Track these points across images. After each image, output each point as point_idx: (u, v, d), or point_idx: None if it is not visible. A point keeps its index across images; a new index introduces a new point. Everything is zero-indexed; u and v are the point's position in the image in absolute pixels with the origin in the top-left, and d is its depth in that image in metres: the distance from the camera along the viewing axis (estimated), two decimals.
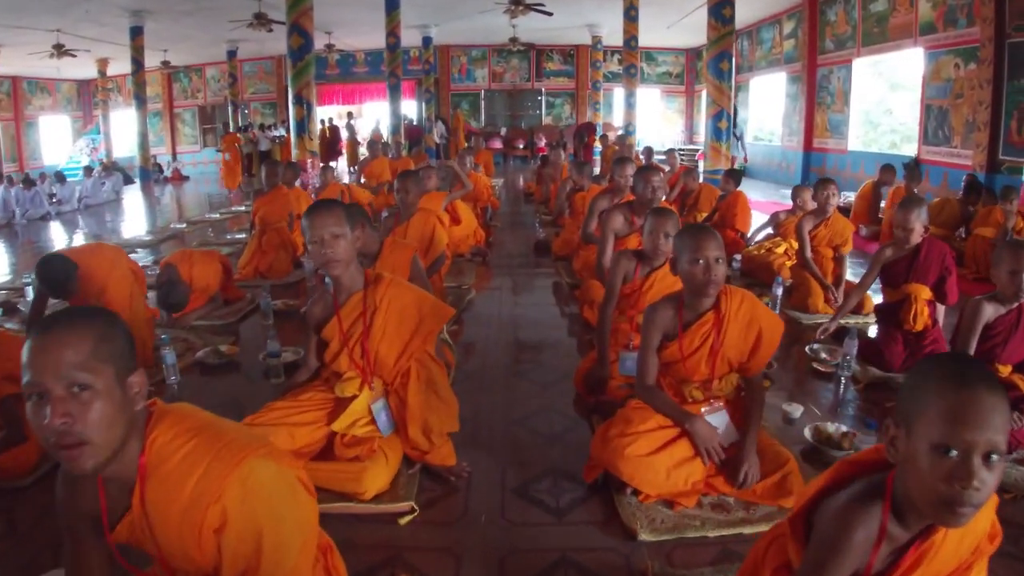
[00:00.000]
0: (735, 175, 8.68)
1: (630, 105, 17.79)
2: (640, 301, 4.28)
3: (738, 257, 7.67)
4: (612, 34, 21.66)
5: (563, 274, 7.55)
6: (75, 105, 28.90)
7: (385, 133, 20.87)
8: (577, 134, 21.75)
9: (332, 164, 23.06)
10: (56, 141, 27.62)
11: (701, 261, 2.99)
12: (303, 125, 10.76)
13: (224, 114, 26.29)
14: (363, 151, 19.95)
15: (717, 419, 3.16)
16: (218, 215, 13.07)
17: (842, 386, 4.56)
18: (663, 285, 4.25)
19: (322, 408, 3.36)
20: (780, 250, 7.37)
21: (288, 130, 25.11)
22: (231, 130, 18.25)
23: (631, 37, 17.10)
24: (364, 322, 3.28)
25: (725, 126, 10.38)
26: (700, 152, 21.61)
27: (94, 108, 28.00)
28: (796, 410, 4.01)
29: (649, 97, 25.57)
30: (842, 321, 5.86)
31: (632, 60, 17.21)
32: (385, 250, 4.62)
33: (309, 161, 10.68)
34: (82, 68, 24.59)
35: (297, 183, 10.11)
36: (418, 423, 3.28)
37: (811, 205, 7.29)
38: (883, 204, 10.32)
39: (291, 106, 10.97)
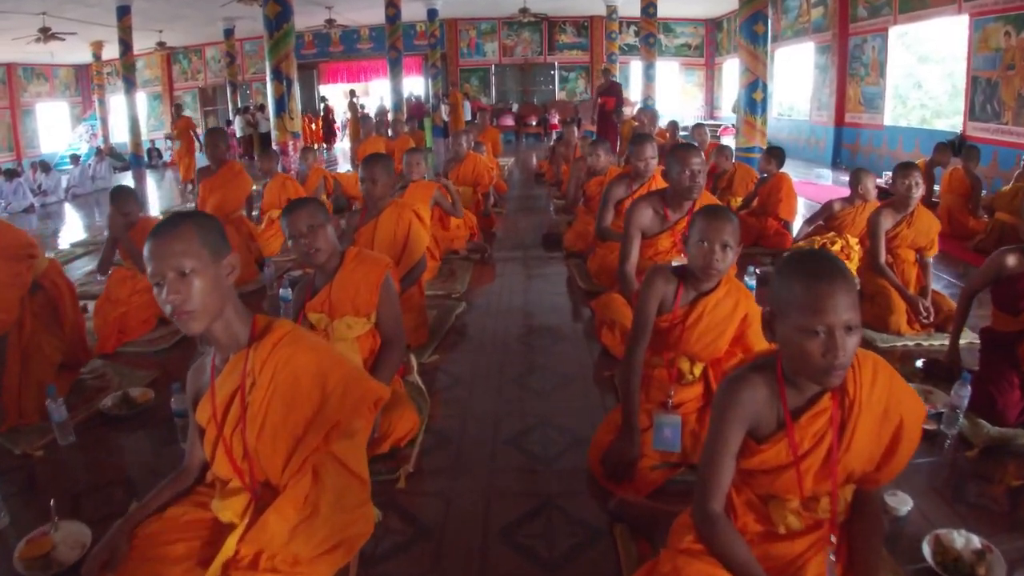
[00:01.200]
0: (777, 154, 7.39)
1: (649, 78, 16.38)
2: (683, 339, 3.07)
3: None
4: (628, 3, 20.27)
5: (576, 275, 6.30)
6: (73, 90, 27.84)
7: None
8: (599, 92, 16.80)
9: (318, 147, 22.16)
10: (55, 128, 26.61)
11: (822, 332, 1.74)
12: (283, 103, 9.54)
13: (225, 95, 25.14)
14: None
15: None
16: (193, 205, 11.92)
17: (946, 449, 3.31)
18: (716, 317, 3.04)
19: (197, 536, 2.16)
20: (836, 247, 6.10)
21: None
22: (185, 112, 16.14)
23: (649, 4, 15.70)
24: (241, 401, 2.08)
25: (761, 97, 9.08)
26: (724, 127, 20.32)
27: (92, 93, 26.88)
28: (902, 504, 2.77)
29: (667, 70, 24.08)
30: (925, 343, 4.65)
31: (650, 29, 15.81)
32: (347, 264, 3.37)
33: (291, 143, 9.47)
34: (78, 52, 23.64)
35: (279, 167, 8.95)
36: (262, 548, 2.05)
37: (873, 194, 6.06)
38: (936, 188, 8.99)
39: (269, 82, 9.75)
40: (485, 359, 4.56)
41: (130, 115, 18.49)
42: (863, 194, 5.96)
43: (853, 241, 6.06)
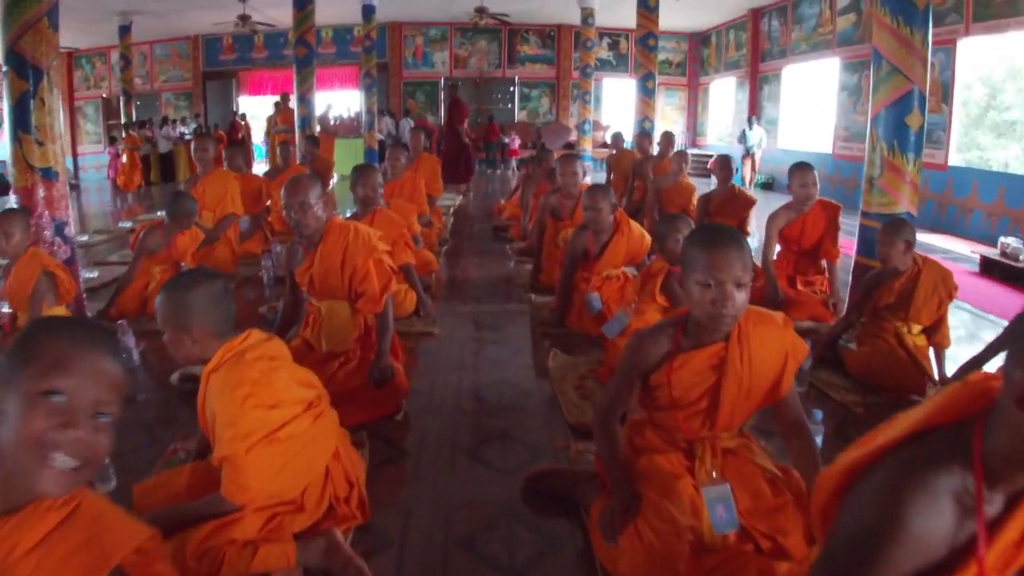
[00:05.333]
0: None
1: (646, 92, 11.60)
2: None
3: None
4: (604, 8, 15.84)
5: None
6: None
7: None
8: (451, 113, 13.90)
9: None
10: None
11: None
12: (25, 114, 4.74)
13: (143, 106, 20.21)
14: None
15: None
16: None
17: None
18: None
19: None
20: None
21: (202, 126, 19.16)
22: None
23: None
24: None
25: (919, 124, 4.55)
26: (713, 160, 15.98)
27: None
28: None
29: None
30: None
31: (650, 27, 11.14)
32: None
33: (40, 189, 4.65)
34: None
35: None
36: None
37: None
38: None
39: (3, 76, 4.96)
40: None
41: None
42: None
43: None
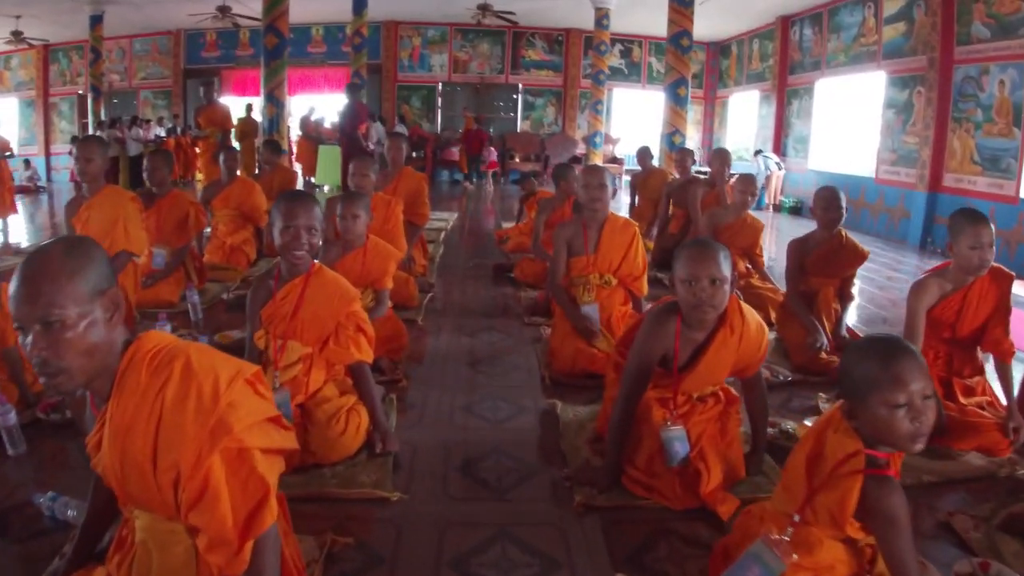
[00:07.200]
0: None
1: (677, 100, 9.71)
2: None
3: None
4: (619, 11, 14.11)
5: None
6: None
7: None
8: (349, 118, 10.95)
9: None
10: None
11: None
12: None
13: (120, 104, 18.59)
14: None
15: None
16: None
17: None
18: None
19: None
20: None
21: (179, 128, 17.27)
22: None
23: None
24: None
25: None
26: (731, 176, 14.28)
27: None
28: None
29: (654, 102, 17.76)
30: None
31: (684, 24, 9.28)
32: None
33: None
34: None
35: None
36: None
37: None
38: None
39: None
40: None
41: None
42: None
43: None
